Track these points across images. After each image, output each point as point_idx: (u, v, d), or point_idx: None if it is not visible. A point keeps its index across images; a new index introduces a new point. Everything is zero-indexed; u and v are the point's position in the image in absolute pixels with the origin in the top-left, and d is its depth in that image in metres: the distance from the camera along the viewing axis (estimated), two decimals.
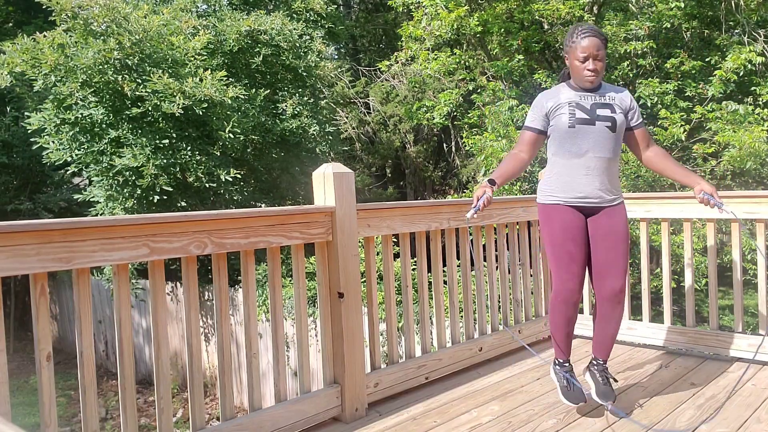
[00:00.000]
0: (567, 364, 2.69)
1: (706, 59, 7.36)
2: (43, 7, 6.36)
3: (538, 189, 2.74)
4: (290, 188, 8.70)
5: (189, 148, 6.68)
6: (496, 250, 3.71)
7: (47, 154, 6.68)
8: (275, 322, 2.54)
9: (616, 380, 2.73)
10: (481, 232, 3.56)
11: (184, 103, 6.11)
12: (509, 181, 2.49)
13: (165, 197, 6.64)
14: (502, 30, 8.14)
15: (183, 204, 6.93)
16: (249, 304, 2.46)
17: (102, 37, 6.20)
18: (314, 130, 7.67)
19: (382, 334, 5.26)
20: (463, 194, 8.77)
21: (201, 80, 6.36)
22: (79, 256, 1.94)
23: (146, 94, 6.17)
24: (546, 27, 8.26)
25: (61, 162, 6.83)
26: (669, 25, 7.38)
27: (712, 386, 3.00)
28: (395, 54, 9.18)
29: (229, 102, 6.51)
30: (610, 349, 2.66)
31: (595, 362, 2.69)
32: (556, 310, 2.60)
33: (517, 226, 3.79)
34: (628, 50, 7.48)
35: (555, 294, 2.58)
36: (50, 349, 1.91)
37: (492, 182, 2.48)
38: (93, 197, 6.94)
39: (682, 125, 6.81)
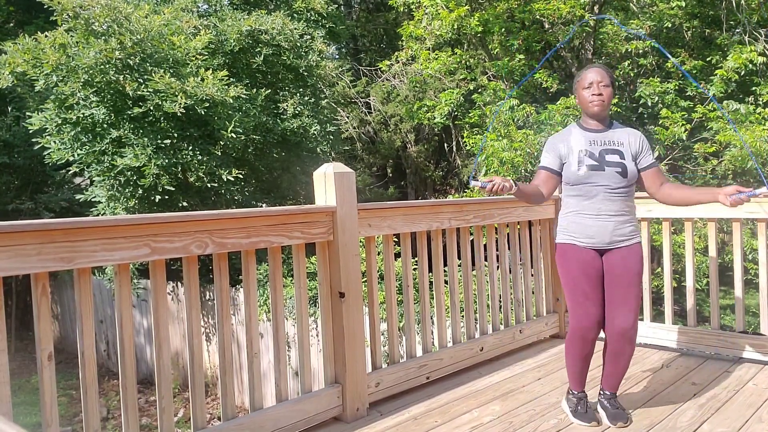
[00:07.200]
0: (581, 394, 2.69)
1: (707, 59, 7.35)
2: (45, 7, 6.35)
3: (555, 228, 2.76)
4: (291, 188, 8.69)
5: (190, 147, 6.67)
6: (497, 250, 3.71)
7: (49, 154, 6.68)
8: (276, 322, 2.54)
9: (624, 409, 2.68)
10: (482, 232, 3.56)
11: (185, 103, 6.10)
12: (526, 196, 2.52)
13: (166, 197, 6.64)
14: (503, 30, 8.13)
15: (184, 204, 6.92)
16: (250, 303, 2.46)
17: (103, 37, 6.20)
18: (315, 130, 7.66)
19: (383, 334, 5.25)
20: (464, 194, 8.76)
21: (202, 80, 6.36)
22: (80, 255, 1.94)
23: (148, 93, 6.16)
24: (547, 26, 8.25)
25: (62, 162, 6.82)
26: (670, 25, 7.37)
27: (713, 386, 3.00)
28: (396, 54, 9.18)
29: (231, 102, 6.51)
30: (619, 383, 2.66)
31: (602, 393, 2.69)
32: (572, 347, 2.61)
33: (518, 226, 3.80)
34: (629, 49, 7.48)
35: (571, 331, 2.60)
36: (51, 349, 1.92)
37: (516, 183, 2.46)
38: (94, 197, 6.94)
39: (683, 125, 6.81)
